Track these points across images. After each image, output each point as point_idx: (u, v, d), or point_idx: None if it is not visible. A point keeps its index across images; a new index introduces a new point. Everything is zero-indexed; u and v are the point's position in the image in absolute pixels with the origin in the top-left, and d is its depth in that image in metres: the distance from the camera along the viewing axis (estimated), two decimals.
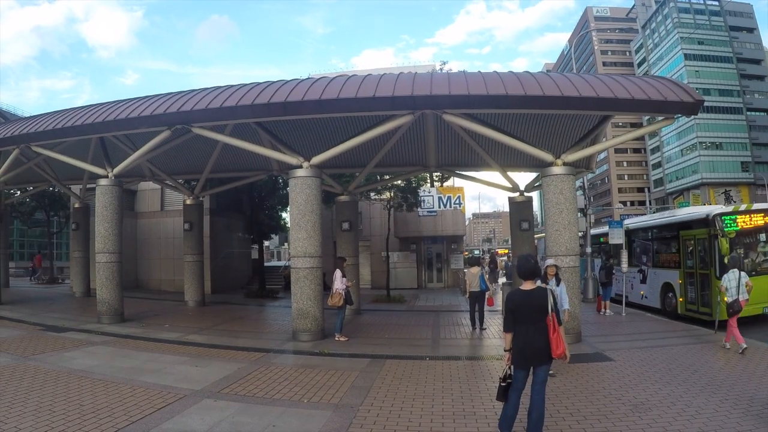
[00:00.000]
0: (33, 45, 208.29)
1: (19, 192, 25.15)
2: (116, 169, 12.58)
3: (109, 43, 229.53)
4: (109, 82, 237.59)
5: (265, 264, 26.97)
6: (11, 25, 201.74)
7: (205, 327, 12.29)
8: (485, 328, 11.61)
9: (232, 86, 10.53)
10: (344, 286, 10.61)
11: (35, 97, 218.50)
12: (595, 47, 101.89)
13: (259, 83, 10.40)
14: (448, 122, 10.20)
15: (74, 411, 5.60)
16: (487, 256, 42.37)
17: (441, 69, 22.43)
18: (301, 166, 10.46)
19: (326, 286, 10.83)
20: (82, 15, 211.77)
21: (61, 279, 29.05)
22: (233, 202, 23.84)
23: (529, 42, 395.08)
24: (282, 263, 37.87)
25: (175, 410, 5.73)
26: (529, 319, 4.56)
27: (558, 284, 7.72)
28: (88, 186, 18.92)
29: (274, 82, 10.25)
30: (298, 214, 10.29)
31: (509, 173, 14.73)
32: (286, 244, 70.59)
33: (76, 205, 20.11)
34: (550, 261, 8.11)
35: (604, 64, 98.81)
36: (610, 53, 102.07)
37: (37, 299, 18.38)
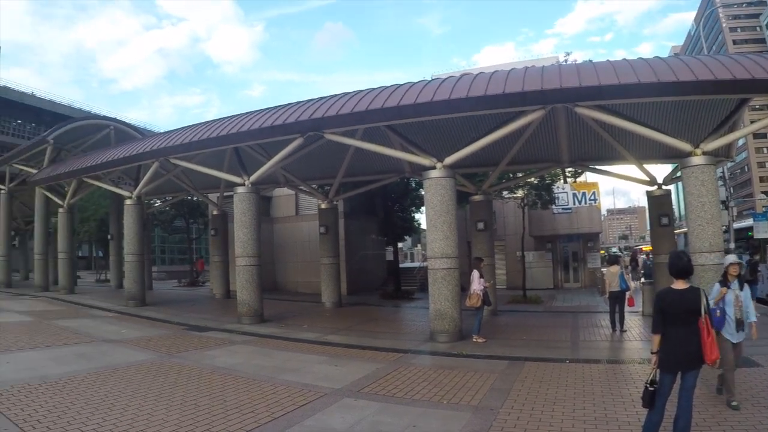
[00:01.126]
0: (161, 66, 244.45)
1: (159, 201, 30.80)
2: (252, 177, 15.08)
3: (233, 59, 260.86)
4: (236, 95, 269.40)
5: (400, 265, 29.47)
6: (139, 48, 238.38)
7: (343, 327, 14.25)
8: (625, 330, 12.47)
9: (360, 91, 12.29)
10: (482, 287, 11.91)
11: (167, 113, 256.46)
12: (723, 25, 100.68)
13: (386, 87, 11.99)
14: (579, 115, 10.96)
15: (218, 406, 6.67)
16: (627, 254, 43.53)
17: (565, 60, 23.01)
18: (434, 167, 11.85)
19: (462, 287, 12.38)
20: (205, 34, 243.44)
21: (202, 282, 34.67)
22: (366, 205, 26.43)
23: (653, 25, 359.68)
24: (416, 264, 40.65)
25: (316, 408, 6.65)
26: (680, 320, 4.80)
27: (742, 287, 6.88)
28: (225, 194, 22.73)
29: (401, 84, 11.80)
30: (434, 215, 11.68)
31: (645, 165, 15.14)
32: (419, 245, 74.67)
33: (215, 212, 23.99)
34: (731, 258, 7.35)
35: (734, 42, 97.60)
36: (739, 30, 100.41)
37: (179, 301, 22.24)
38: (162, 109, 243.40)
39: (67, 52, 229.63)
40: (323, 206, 19.98)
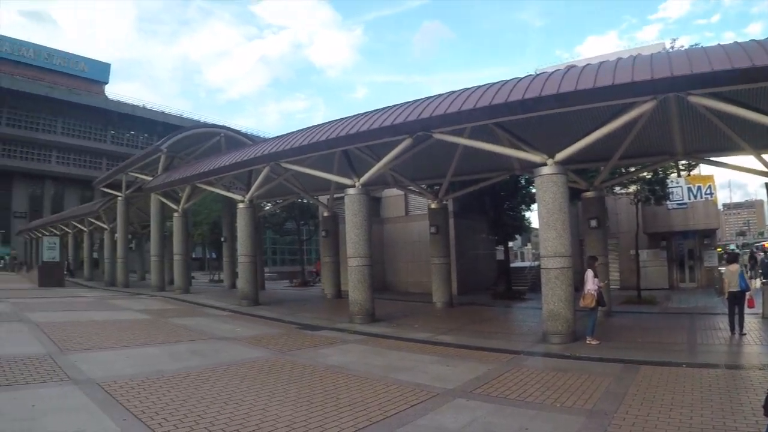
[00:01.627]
0: (265, 73, 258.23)
1: (270, 204, 33.23)
2: (362, 179, 16.26)
3: (335, 63, 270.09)
4: (340, 98, 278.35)
5: (510, 265, 30.07)
6: (243, 58, 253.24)
7: (454, 327, 15.02)
8: (745, 333, 12.43)
9: (467, 89, 12.98)
10: (596, 287, 12.23)
11: (274, 119, 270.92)
12: None
13: (492, 83, 12.58)
14: (692, 104, 11.01)
15: (331, 403, 7.15)
16: (744, 252, 43.40)
17: (672, 47, 22.41)
18: (545, 164, 12.31)
19: (575, 287, 12.75)
20: (306, 41, 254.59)
21: (313, 282, 37.08)
22: (475, 204, 27.13)
23: (762, 2, 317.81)
24: (527, 264, 41.34)
25: (428, 408, 7.03)
26: None
27: None
28: (336, 195, 24.32)
29: (507, 80, 12.33)
30: (547, 214, 12.15)
31: (764, 155, 14.65)
32: (528, 244, 74.36)
33: (325, 214, 25.67)
34: None
35: None
36: None
37: (291, 300, 24.12)
38: (268, 115, 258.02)
39: (173, 65, 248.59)
40: (433, 206, 20.99)
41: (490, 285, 28.35)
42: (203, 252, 60.90)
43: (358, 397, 7.51)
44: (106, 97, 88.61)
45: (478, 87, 12.85)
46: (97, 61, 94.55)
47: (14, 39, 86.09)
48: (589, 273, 12.48)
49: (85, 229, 42.38)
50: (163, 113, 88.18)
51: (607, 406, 7.08)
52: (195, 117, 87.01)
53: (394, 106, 14.78)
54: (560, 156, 12.27)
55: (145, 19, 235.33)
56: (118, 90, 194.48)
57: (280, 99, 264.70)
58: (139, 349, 11.28)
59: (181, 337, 13.26)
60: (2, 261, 64.87)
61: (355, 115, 16.04)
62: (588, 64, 11.58)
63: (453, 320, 16.85)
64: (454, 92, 13.36)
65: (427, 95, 14.30)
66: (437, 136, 13.84)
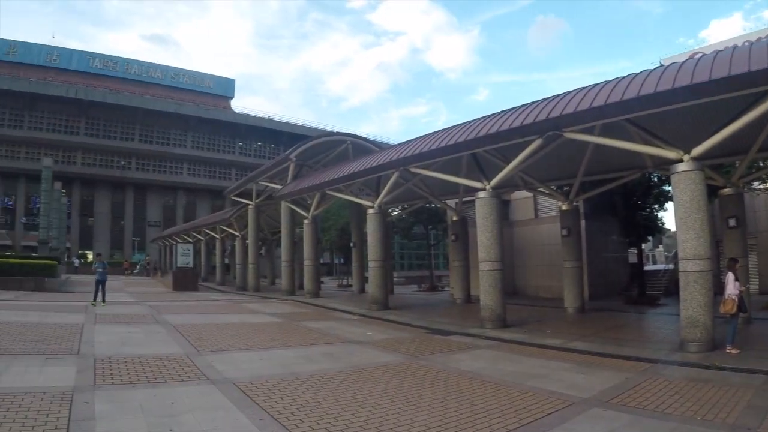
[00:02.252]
0: (385, 80, 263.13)
1: (397, 209, 34.16)
2: (493, 182, 16.43)
3: (454, 65, 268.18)
4: (461, 101, 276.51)
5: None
6: (362, 66, 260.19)
7: (587, 334, 14.73)
8: None
9: (595, 85, 12.92)
10: (737, 292, 11.66)
11: (396, 125, 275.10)
12: None
13: (620, 78, 12.47)
14: None
15: (465, 410, 7.24)
16: None
17: None
18: (681, 160, 11.96)
19: (714, 292, 12.17)
20: (423, 45, 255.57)
21: (441, 287, 37.70)
22: (606, 205, 26.61)
23: None
24: (660, 267, 39.79)
25: (564, 417, 7.03)
26: None
27: None
28: (464, 199, 24.72)
29: (637, 73, 12.15)
30: (684, 213, 11.76)
31: None
32: (660, 246, 70.70)
33: (454, 218, 26.03)
34: None
35: None
36: None
37: (420, 305, 24.61)
38: (390, 121, 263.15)
39: (294, 77, 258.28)
40: (564, 208, 20.93)
41: (622, 289, 27.71)
42: (331, 257, 63.20)
43: (493, 404, 7.61)
44: (232, 111, 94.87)
45: (607, 82, 12.80)
46: (222, 77, 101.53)
47: (142, 61, 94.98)
48: (730, 276, 11.92)
49: (217, 236, 45.24)
50: (288, 124, 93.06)
51: (750, 421, 6.85)
52: (319, 126, 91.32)
53: (522, 106, 14.91)
54: (697, 151, 11.91)
55: (264, 35, 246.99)
56: (244, 104, 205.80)
57: (400, 105, 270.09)
58: (273, 351, 11.85)
59: (313, 339, 13.83)
60: (138, 266, 70.09)
61: (482, 117, 16.28)
62: (720, 51, 11.23)
63: (585, 326, 16.65)
64: (582, 89, 13.34)
65: (548, 94, 14.21)
66: (568, 135, 13.77)
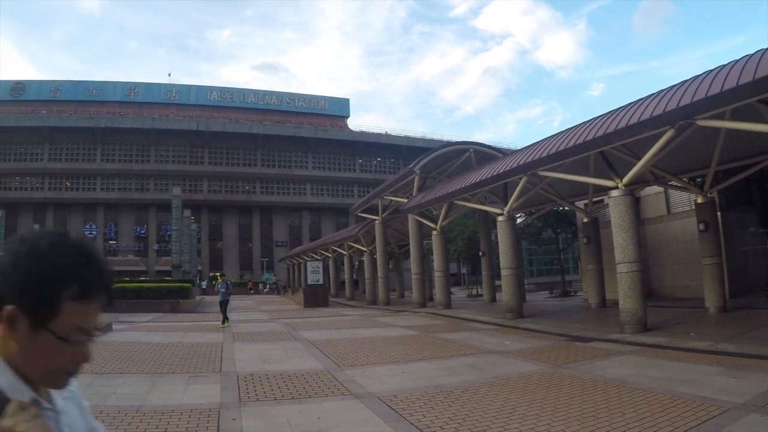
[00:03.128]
0: (496, 84, 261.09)
1: (523, 215, 34.15)
2: (625, 179, 16.00)
3: (564, 62, 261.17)
4: (576, 98, 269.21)
5: None
6: (472, 73, 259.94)
7: (733, 335, 13.92)
8: None
9: (722, 67, 12.46)
10: None
11: (512, 129, 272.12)
12: None
13: (749, 56, 12.03)
14: None
15: (617, 419, 7.09)
16: None
17: None
18: None
19: None
20: (530, 45, 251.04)
21: (572, 292, 37.24)
22: (741, 194, 25.44)
23: None
24: None
25: (720, 424, 6.74)
26: None
27: None
28: (594, 199, 24.34)
29: (765, 49, 11.70)
30: None
31: None
32: None
33: (585, 220, 25.73)
34: None
35: None
36: None
37: (554, 312, 24.41)
38: (506, 126, 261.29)
39: (406, 91, 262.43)
40: (699, 200, 20.19)
41: (764, 286, 26.33)
42: (458, 267, 63.61)
43: (645, 412, 7.38)
44: (349, 129, 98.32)
45: (735, 61, 12.36)
46: (336, 98, 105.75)
47: (257, 90, 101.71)
48: None
49: (345, 252, 46.80)
50: (406, 137, 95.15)
51: None
52: (436, 137, 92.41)
53: (647, 97, 14.63)
54: None
55: (372, 53, 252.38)
56: (359, 122, 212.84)
57: (514, 108, 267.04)
58: (414, 364, 11.86)
59: (452, 351, 13.82)
60: (267, 285, 73.43)
61: (608, 113, 16.11)
62: None
63: (730, 327, 15.79)
64: (709, 72, 12.93)
65: (665, 82, 14.25)
66: (701, 122, 13.34)
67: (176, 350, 14.06)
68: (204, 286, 64.40)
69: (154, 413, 7.68)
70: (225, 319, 20.77)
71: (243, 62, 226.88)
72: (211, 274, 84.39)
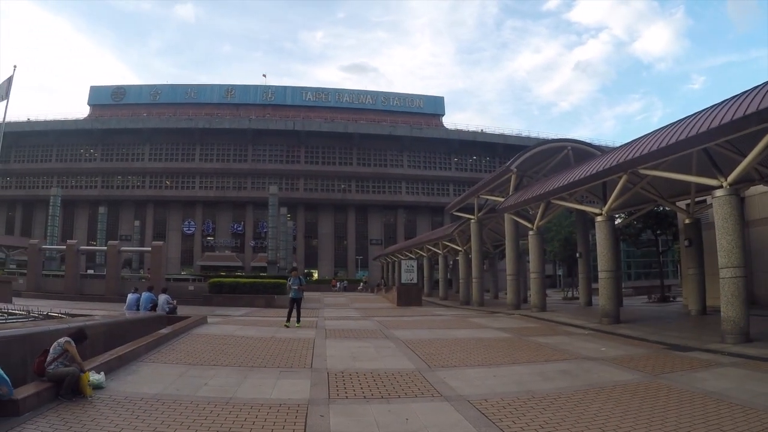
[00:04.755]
0: (593, 79, 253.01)
1: (622, 215, 33.50)
2: (730, 177, 15.31)
3: (662, 54, 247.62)
4: (676, 92, 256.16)
5: None
6: (567, 68, 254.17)
7: None
8: None
9: None
10: None
11: (610, 126, 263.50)
12: None
13: None
14: None
15: None
16: None
17: None
18: None
19: None
20: (626, 37, 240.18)
21: (672, 297, 36.18)
22: None
23: None
24: None
25: None
26: None
27: None
28: (697, 199, 23.47)
29: None
30: None
31: None
32: None
33: (686, 221, 24.64)
34: None
35: None
36: None
37: (652, 318, 23.58)
38: (604, 122, 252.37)
39: (500, 88, 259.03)
40: None
41: None
42: (554, 269, 62.93)
43: (745, 430, 7.12)
44: (444, 128, 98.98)
45: None
46: (431, 96, 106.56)
47: (352, 90, 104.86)
48: None
49: (439, 251, 47.19)
50: (502, 135, 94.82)
51: None
52: (533, 135, 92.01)
53: (753, 89, 14.01)
54: None
55: (465, 50, 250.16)
56: (454, 120, 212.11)
57: (612, 103, 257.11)
58: (506, 368, 11.69)
59: (545, 356, 13.57)
60: (361, 284, 74.91)
61: (710, 107, 15.51)
62: None
63: None
64: None
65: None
66: None
67: (268, 345, 14.57)
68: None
69: (243, 406, 8.11)
70: (297, 318, 19.33)
71: (335, 63, 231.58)
72: (306, 270, 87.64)
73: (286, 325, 18.70)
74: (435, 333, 18.40)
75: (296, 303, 19.28)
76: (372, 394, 9.10)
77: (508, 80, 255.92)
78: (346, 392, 9.25)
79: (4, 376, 7.32)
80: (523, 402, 8.52)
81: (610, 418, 7.65)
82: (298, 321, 19.25)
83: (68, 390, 8.18)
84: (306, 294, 52.50)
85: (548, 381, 10.31)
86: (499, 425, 7.24)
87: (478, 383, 10.02)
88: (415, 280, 39.19)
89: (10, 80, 35.67)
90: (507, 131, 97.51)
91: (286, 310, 19.52)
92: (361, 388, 9.55)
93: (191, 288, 40.57)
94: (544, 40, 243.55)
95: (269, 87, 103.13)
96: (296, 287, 19.53)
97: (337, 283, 72.53)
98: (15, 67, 36.08)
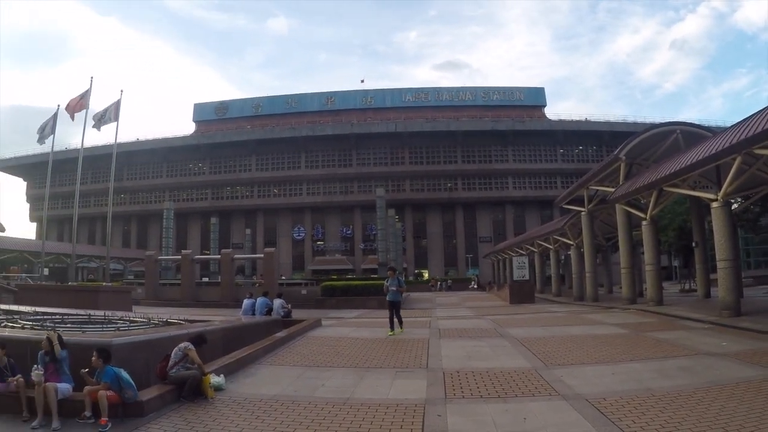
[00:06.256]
0: (695, 57, 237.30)
1: (738, 200, 31.92)
2: None
3: (766, 23, 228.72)
4: None
5: None
6: (667, 46, 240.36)
7: None
8: None
9: None
10: None
11: (718, 104, 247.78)
12: None
13: None
14: None
15: None
16: None
17: None
18: None
19: None
20: (726, 8, 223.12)
21: None
22: None
23: None
24: None
25: None
26: None
27: None
28: None
29: None
30: None
31: None
32: None
33: None
34: None
35: None
36: None
37: None
38: (711, 101, 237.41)
39: (600, 73, 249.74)
40: None
41: None
42: (669, 260, 60.56)
43: None
44: (547, 119, 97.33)
45: None
46: (531, 87, 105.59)
47: (451, 87, 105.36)
48: None
49: (550, 246, 46.33)
50: (607, 122, 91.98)
51: None
52: (639, 120, 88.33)
53: None
54: None
55: (562, 37, 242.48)
56: (556, 110, 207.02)
57: (718, 81, 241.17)
58: (623, 365, 11.46)
59: (664, 352, 13.19)
60: (472, 282, 74.78)
61: None
62: None
63: None
64: None
65: None
66: None
67: (383, 345, 14.86)
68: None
69: (360, 406, 8.35)
70: (400, 323, 17.73)
71: (430, 61, 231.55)
72: (416, 271, 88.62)
73: (390, 334, 17.07)
74: (550, 330, 18.22)
75: (394, 307, 17.58)
76: (488, 394, 9.17)
77: (609, 64, 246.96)
78: (462, 392, 9.34)
79: (130, 380, 8.01)
80: (642, 400, 8.35)
81: (733, 417, 7.36)
82: (401, 326, 17.73)
83: (190, 392, 8.80)
84: (417, 294, 53.67)
85: (667, 378, 10.05)
86: (618, 425, 7.14)
87: (595, 381, 9.92)
88: (526, 277, 38.86)
89: (118, 104, 38.61)
90: (611, 118, 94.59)
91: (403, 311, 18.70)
92: (478, 387, 9.63)
93: (304, 292, 41.83)
94: (641, 20, 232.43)
95: (368, 91, 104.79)
96: (394, 288, 17.58)
97: (438, 283, 72.69)
98: (122, 91, 39.04)
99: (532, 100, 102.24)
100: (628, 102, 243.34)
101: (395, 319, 17.50)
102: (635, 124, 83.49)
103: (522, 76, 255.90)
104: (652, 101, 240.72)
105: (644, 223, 26.61)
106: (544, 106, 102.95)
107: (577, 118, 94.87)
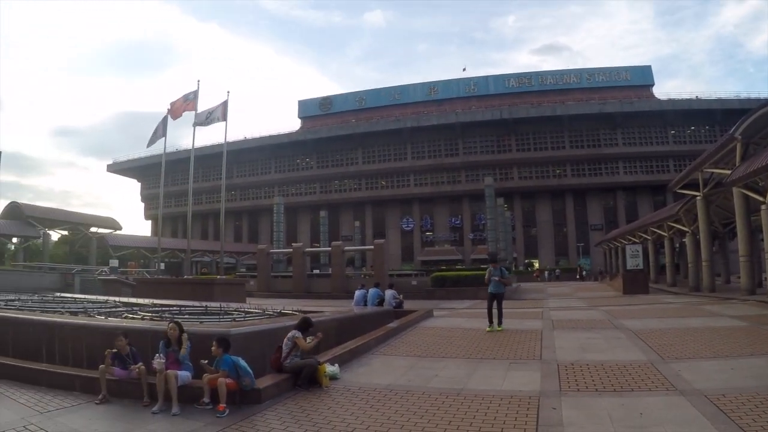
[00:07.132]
0: None
1: None
2: None
3: None
4: None
5: None
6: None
7: None
8: None
9: None
10: None
11: None
12: None
13: None
14: None
15: None
16: None
17: None
18: None
19: None
20: None
21: None
22: None
23: None
24: None
25: None
26: None
27: None
28: None
29: None
30: None
31: None
32: None
33: None
34: None
35: None
36: None
37: None
38: None
39: (709, 47, 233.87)
40: None
41: None
42: None
43: None
44: (656, 99, 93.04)
45: None
46: (637, 66, 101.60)
47: (554, 71, 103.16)
48: None
49: (664, 233, 44.44)
50: (719, 100, 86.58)
51: None
52: (753, 96, 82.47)
53: None
54: None
55: (666, 12, 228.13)
56: (664, 89, 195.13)
57: None
58: (743, 360, 10.89)
59: None
60: (584, 271, 72.96)
61: None
62: None
63: None
64: None
65: None
66: None
67: (496, 337, 14.85)
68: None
69: (474, 397, 8.38)
70: (499, 320, 16.19)
71: (530, 46, 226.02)
72: (526, 261, 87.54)
73: (488, 330, 15.83)
74: (665, 322, 17.53)
75: (497, 299, 16.09)
76: (604, 387, 9.02)
77: (717, 38, 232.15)
78: (577, 385, 9.26)
79: (247, 367, 8.40)
80: (764, 398, 7.87)
81: None
82: (500, 323, 16.12)
83: (306, 380, 9.17)
84: (528, 285, 52.91)
85: None
86: (738, 423, 6.80)
87: (714, 377, 9.45)
88: (640, 266, 37.64)
89: (225, 104, 40.34)
90: (724, 95, 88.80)
91: (508, 302, 17.97)
92: (593, 380, 9.50)
93: (414, 282, 42.08)
94: None
95: (471, 79, 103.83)
96: (496, 278, 16.03)
97: (544, 273, 71.35)
98: (228, 92, 40.75)
99: (639, 79, 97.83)
100: (739, 77, 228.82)
101: (495, 313, 16.10)
102: (749, 100, 78.01)
103: (626, 56, 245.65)
104: (766, 74, 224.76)
105: (763, 207, 25.02)
106: (652, 85, 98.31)
107: (687, 97, 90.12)
